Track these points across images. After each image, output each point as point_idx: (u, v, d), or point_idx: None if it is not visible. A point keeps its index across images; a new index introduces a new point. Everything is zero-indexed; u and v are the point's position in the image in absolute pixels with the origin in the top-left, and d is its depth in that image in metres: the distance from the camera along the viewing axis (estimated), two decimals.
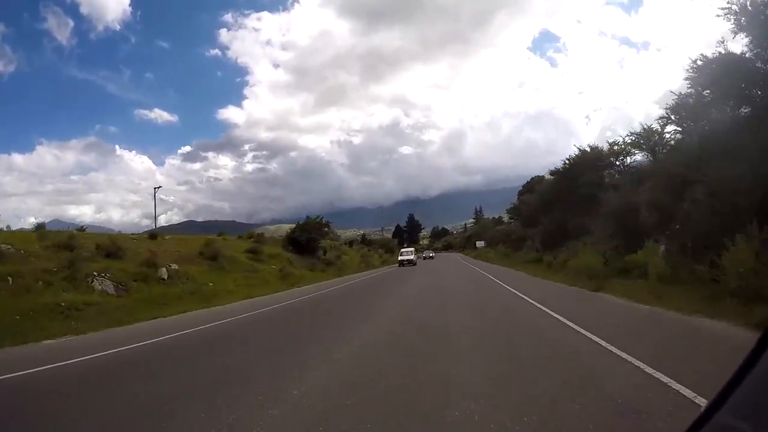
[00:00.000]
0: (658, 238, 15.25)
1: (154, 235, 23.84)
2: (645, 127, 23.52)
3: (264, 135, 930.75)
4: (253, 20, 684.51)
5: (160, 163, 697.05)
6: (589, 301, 9.94)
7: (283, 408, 3.69)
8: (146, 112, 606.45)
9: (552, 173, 27.67)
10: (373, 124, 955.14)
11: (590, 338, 5.74)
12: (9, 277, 12.78)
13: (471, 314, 8.75)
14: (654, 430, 2.83)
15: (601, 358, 4.80)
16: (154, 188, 41.73)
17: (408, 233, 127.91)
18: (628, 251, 15.19)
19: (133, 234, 24.24)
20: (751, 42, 11.79)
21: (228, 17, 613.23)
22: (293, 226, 33.68)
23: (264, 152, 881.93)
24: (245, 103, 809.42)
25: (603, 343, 5.34)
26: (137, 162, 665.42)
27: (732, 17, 11.68)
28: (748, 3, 11.36)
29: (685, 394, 3.33)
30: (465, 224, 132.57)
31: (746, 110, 12.30)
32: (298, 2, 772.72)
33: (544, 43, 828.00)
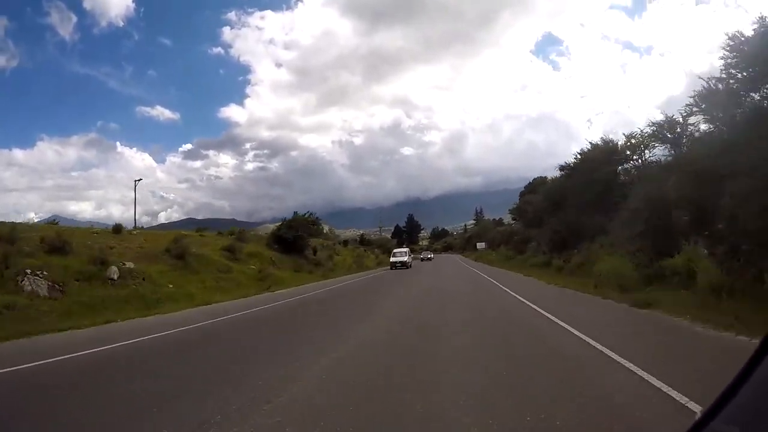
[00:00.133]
0: (696, 239, 12.87)
1: (118, 228, 21.39)
2: (667, 116, 21.22)
3: (265, 134, 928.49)
4: (256, 19, 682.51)
5: (161, 160, 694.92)
6: (654, 328, 6.70)
7: None
8: (148, 109, 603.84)
9: (562, 169, 25.20)
10: (375, 125, 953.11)
11: None
12: None
13: (484, 350, 5.83)
14: None
15: None
16: (135, 180, 39.47)
17: (407, 234, 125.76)
18: (657, 254, 12.76)
19: (93, 227, 21.77)
20: None
21: (231, 15, 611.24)
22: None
23: (265, 151, 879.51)
24: (247, 101, 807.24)
25: None
26: (138, 159, 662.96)
27: None
28: None
29: None
30: (465, 225, 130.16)
31: None
32: (302, 1, 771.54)
33: (547, 46, 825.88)
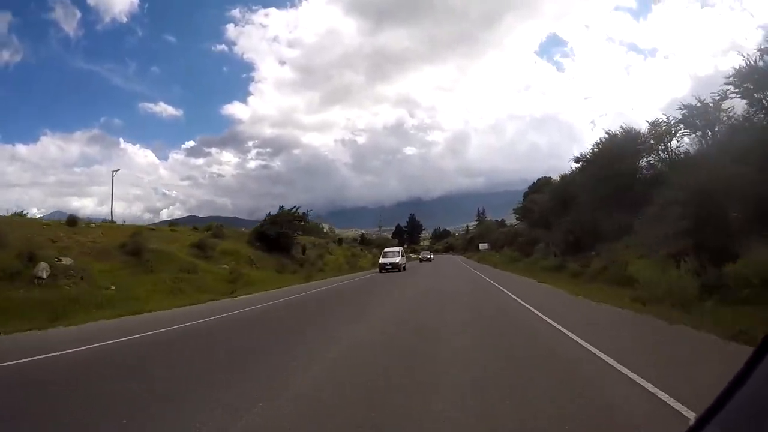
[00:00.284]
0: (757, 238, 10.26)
1: (73, 221, 18.85)
2: (699, 99, 18.51)
3: (268, 132, 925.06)
4: (260, 16, 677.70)
5: (163, 157, 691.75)
6: None
7: None
8: (151, 105, 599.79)
9: (577, 160, 22.50)
10: (378, 124, 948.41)
11: None
12: None
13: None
14: None
15: None
16: (112, 171, 37.23)
17: (408, 233, 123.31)
18: (714, 259, 10.06)
19: (43, 219, 19.15)
20: None
21: (236, 12, 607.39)
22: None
23: (268, 149, 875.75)
24: (250, 99, 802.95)
25: None
26: (141, 156, 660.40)
27: None
28: None
29: None
30: (467, 226, 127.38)
31: None
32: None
33: (552, 47, 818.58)
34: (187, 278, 16.10)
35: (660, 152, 20.16)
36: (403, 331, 7.36)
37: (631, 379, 4.05)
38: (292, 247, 28.25)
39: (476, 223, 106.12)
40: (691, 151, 19.36)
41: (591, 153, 21.92)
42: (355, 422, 3.29)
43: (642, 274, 10.40)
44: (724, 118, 17.67)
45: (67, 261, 13.92)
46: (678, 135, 19.73)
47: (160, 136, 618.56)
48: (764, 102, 15.35)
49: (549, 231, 28.14)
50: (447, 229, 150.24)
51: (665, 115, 19.96)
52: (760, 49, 14.84)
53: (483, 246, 61.28)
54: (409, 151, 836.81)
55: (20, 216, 19.62)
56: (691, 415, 2.80)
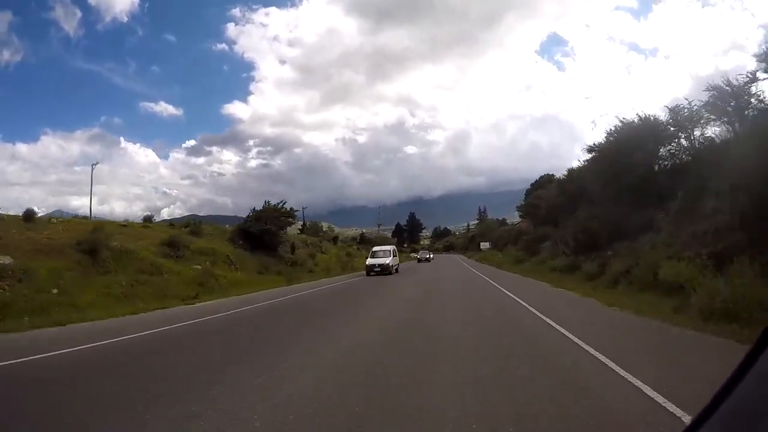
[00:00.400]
0: None
1: (30, 216, 16.94)
2: (728, 81, 16.49)
3: (269, 131, 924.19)
4: (261, 15, 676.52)
5: (164, 156, 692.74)
6: None
7: None
8: (152, 104, 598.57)
9: (590, 150, 20.44)
10: (379, 123, 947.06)
11: None
12: None
13: None
14: None
15: None
16: (92, 164, 35.51)
17: (408, 232, 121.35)
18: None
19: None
20: None
21: (236, 11, 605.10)
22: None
23: (268, 148, 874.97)
24: (251, 98, 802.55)
25: None
26: (141, 155, 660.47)
27: None
28: None
29: None
30: (468, 224, 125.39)
31: None
32: None
33: (552, 46, 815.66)
34: (148, 281, 14.17)
35: (683, 140, 18.17)
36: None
37: None
38: (279, 246, 26.26)
39: (477, 221, 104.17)
40: (716, 140, 17.40)
41: (606, 141, 19.90)
42: None
43: (682, 278, 8.41)
44: (754, 102, 15.76)
45: (4, 260, 12.02)
46: (703, 121, 17.77)
47: (160, 135, 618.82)
48: None
49: (557, 228, 26.20)
50: (447, 228, 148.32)
51: (687, 99, 17.93)
52: None
53: (484, 245, 59.38)
54: (410, 150, 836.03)
55: None
56: None
